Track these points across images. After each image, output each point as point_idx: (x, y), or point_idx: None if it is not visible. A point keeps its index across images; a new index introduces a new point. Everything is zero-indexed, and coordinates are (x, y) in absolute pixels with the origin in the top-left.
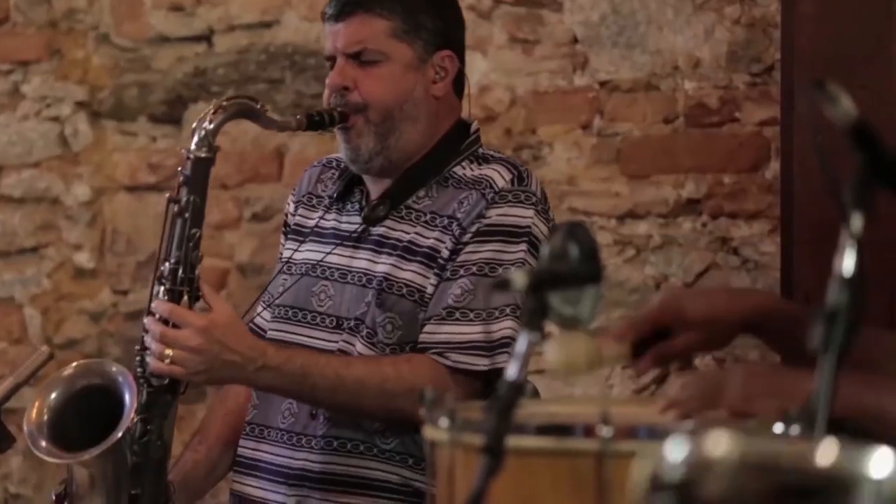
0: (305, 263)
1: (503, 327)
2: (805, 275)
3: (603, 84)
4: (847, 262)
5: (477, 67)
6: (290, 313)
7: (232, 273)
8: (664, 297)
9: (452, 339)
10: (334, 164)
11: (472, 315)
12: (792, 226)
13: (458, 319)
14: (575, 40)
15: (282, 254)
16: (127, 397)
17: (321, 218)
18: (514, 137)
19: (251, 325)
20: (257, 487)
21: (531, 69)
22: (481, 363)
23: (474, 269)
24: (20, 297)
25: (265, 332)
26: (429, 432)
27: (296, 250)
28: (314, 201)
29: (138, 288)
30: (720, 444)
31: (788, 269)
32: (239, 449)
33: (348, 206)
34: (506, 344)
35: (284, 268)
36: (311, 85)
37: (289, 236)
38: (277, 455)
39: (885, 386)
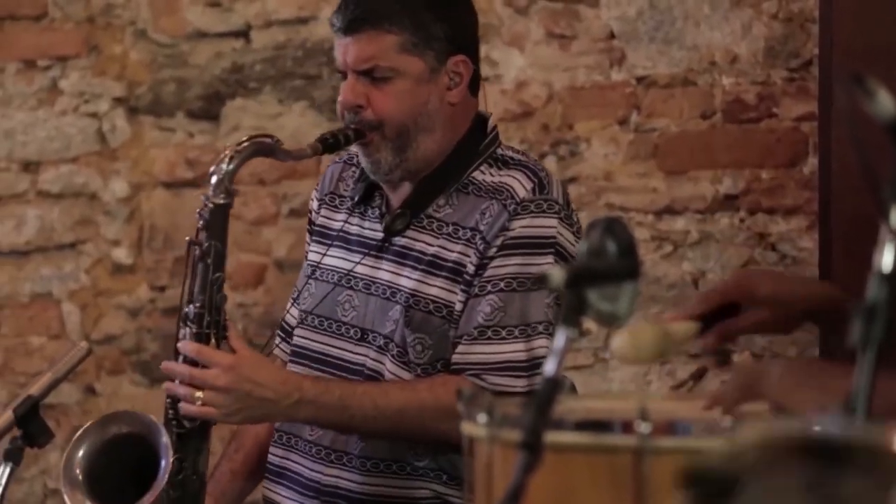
0: (334, 272)
1: (538, 346)
2: (843, 271)
3: (640, 79)
4: (886, 258)
5: (514, 63)
6: (315, 321)
7: (269, 269)
8: (736, 274)
9: (487, 359)
10: (355, 160)
11: (504, 333)
12: (830, 221)
13: (490, 338)
14: (612, 36)
15: (307, 254)
16: (161, 448)
17: (345, 222)
18: (552, 133)
19: (283, 323)
20: (289, 499)
21: (568, 64)
22: (518, 384)
23: (502, 284)
24: (58, 293)
25: (293, 328)
26: (467, 428)
27: (324, 254)
28: (336, 201)
29: (176, 284)
30: (750, 431)
31: (826, 264)
32: (269, 455)
33: (369, 213)
34: (540, 364)
35: (311, 272)
36: None
37: (314, 237)
38: (307, 468)
39: None
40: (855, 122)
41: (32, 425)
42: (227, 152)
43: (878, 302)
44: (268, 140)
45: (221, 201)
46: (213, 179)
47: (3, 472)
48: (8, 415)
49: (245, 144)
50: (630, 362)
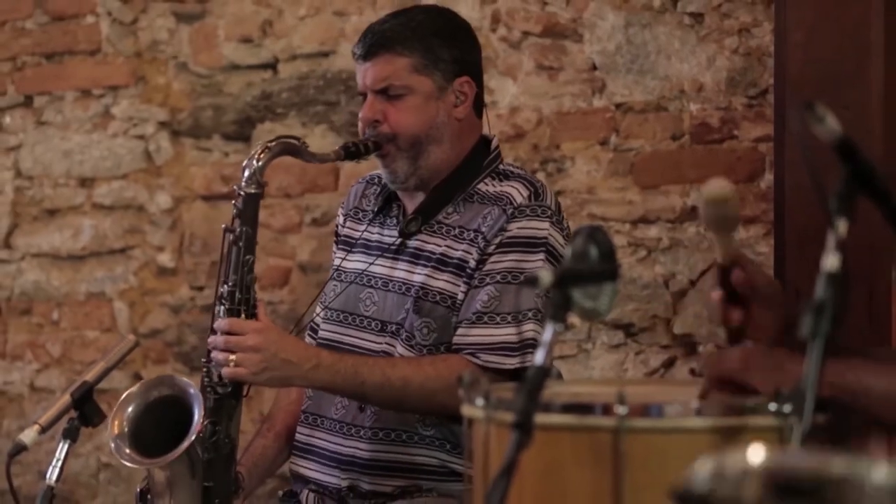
0: (354, 272)
1: (527, 329)
2: (795, 273)
3: (618, 106)
4: (832, 261)
5: (508, 91)
6: (340, 317)
7: (294, 271)
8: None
9: (482, 340)
10: (376, 180)
11: (498, 318)
12: (784, 230)
13: (486, 323)
14: (594, 67)
15: (334, 261)
16: (195, 407)
17: (366, 230)
18: (541, 152)
19: (311, 323)
20: (314, 470)
21: (556, 92)
22: (509, 362)
23: (498, 277)
24: (110, 292)
25: (319, 326)
26: (466, 410)
27: (344, 259)
28: (360, 215)
29: (213, 284)
30: (738, 457)
31: (781, 267)
32: (296, 434)
33: (388, 221)
34: (530, 345)
35: (335, 274)
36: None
37: (339, 245)
38: (330, 442)
39: (865, 368)
40: (806, 143)
41: (87, 407)
42: (258, 148)
43: (825, 299)
44: (295, 141)
45: (253, 191)
46: (246, 172)
47: (62, 448)
48: (66, 398)
49: (274, 143)
50: (717, 211)
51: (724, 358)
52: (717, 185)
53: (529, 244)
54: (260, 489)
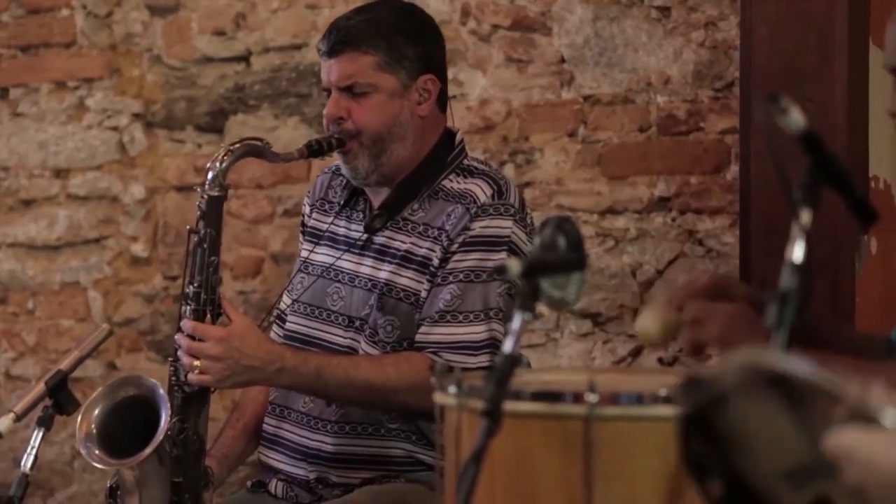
0: (321, 266)
1: (489, 329)
2: (761, 263)
3: (586, 98)
4: (797, 251)
5: (478, 83)
6: (308, 310)
7: (266, 261)
8: (714, 275)
9: (444, 339)
10: (342, 170)
11: (461, 317)
12: (749, 220)
13: (448, 322)
14: (562, 60)
15: (300, 251)
16: (162, 407)
17: (332, 223)
18: (510, 144)
19: (277, 310)
20: (282, 462)
21: (525, 85)
22: (471, 361)
23: (461, 276)
24: (84, 282)
25: (287, 318)
26: (439, 398)
27: (311, 251)
28: (326, 206)
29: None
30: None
31: (746, 257)
32: (263, 425)
33: (354, 215)
34: (490, 344)
35: (303, 267)
36: None
37: (306, 237)
38: (297, 434)
39: (837, 363)
40: (771, 135)
41: (62, 396)
42: (221, 151)
43: (790, 289)
44: (258, 143)
45: (216, 194)
46: (209, 175)
47: (36, 436)
48: (41, 387)
49: (238, 145)
50: (649, 342)
51: (706, 325)
52: (643, 325)
53: (492, 243)
54: (231, 477)
